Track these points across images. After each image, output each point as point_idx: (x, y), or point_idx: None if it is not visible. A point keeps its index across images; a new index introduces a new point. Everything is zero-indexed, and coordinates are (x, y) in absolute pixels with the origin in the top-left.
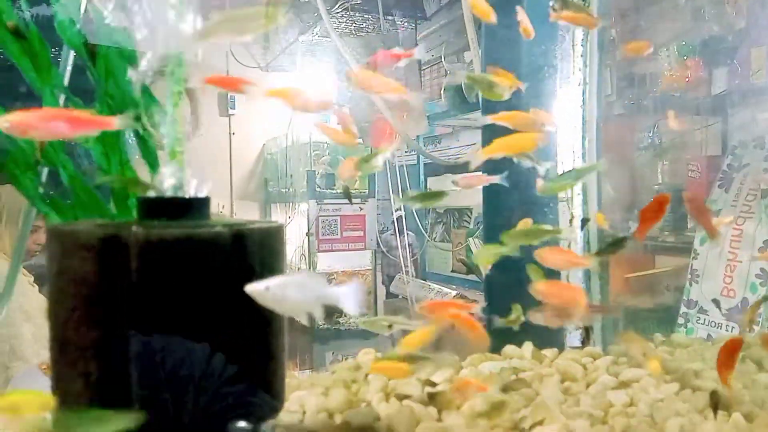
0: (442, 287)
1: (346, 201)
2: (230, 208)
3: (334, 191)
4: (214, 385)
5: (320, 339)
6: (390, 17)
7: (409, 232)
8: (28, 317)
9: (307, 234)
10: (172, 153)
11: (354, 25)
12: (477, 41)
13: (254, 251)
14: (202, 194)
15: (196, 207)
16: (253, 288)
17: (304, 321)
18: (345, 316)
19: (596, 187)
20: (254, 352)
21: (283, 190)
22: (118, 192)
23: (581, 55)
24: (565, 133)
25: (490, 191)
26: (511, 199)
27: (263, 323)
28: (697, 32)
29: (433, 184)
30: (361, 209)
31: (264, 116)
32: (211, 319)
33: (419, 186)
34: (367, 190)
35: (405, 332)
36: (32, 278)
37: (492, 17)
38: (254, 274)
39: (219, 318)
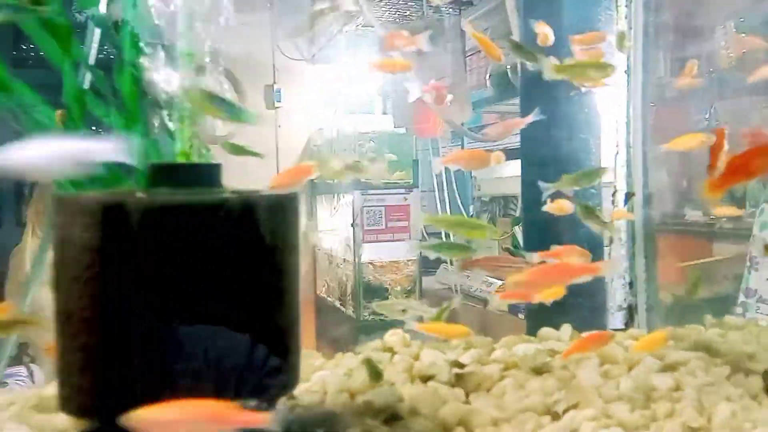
0: (488, 277)
1: (390, 191)
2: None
3: (378, 181)
4: (219, 361)
5: (365, 329)
6: (434, 4)
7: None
8: None
9: (352, 225)
10: (183, 121)
11: (397, 12)
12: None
13: (264, 219)
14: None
15: (206, 174)
16: None
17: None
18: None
19: (641, 161)
20: (264, 326)
21: (328, 181)
22: (140, 163)
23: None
24: (609, 117)
25: (528, 178)
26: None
27: (274, 295)
28: (756, 9)
29: (478, 172)
30: (406, 199)
31: (310, 108)
32: (216, 289)
33: (464, 175)
34: (411, 180)
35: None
36: None
37: None
38: (263, 242)
39: (224, 288)
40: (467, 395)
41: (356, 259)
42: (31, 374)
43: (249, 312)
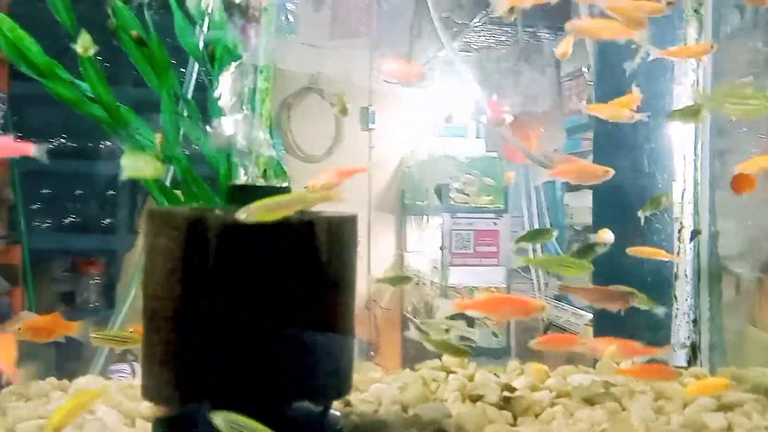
0: (576, 309)
1: (480, 215)
2: (367, 219)
3: (468, 205)
4: (279, 364)
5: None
6: (530, 29)
7: (552, 247)
8: None
9: (440, 248)
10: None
11: (493, 38)
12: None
13: (323, 237)
14: (282, 184)
15: (277, 194)
16: None
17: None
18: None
19: (708, 198)
20: (319, 332)
21: (418, 203)
22: (222, 183)
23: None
24: (679, 137)
25: (599, 209)
26: (621, 215)
27: (331, 306)
28: None
29: (570, 200)
30: (495, 224)
31: (403, 130)
32: (279, 298)
33: (556, 202)
34: (502, 205)
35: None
36: None
37: None
38: (322, 257)
39: (286, 298)
40: (515, 418)
41: (443, 283)
42: (133, 371)
43: (309, 321)
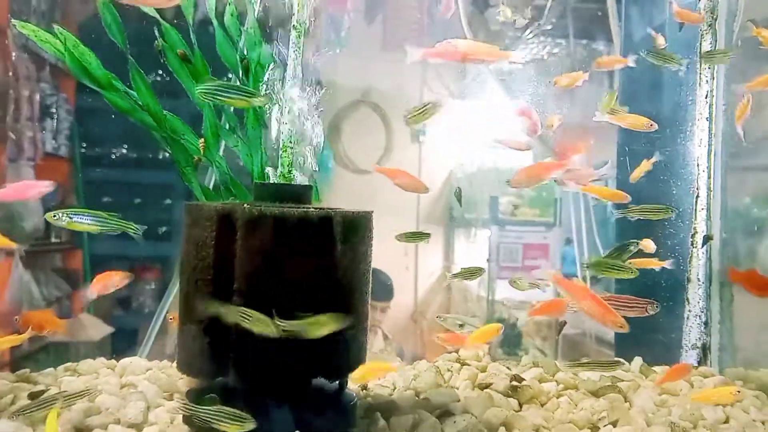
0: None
1: (530, 228)
2: (416, 229)
3: (517, 218)
4: (297, 344)
5: None
6: (582, 41)
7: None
8: None
9: (488, 260)
10: (285, 149)
11: (546, 49)
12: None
13: (339, 231)
14: (304, 184)
15: (300, 193)
16: None
17: None
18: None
19: (720, 205)
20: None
21: (467, 216)
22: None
23: (708, 67)
24: (693, 147)
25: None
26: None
27: (345, 292)
28: None
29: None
30: (545, 238)
31: (452, 143)
32: (298, 285)
33: (606, 215)
34: (552, 219)
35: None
36: None
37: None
38: (337, 250)
39: (305, 285)
40: (520, 405)
41: (489, 295)
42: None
43: (326, 305)
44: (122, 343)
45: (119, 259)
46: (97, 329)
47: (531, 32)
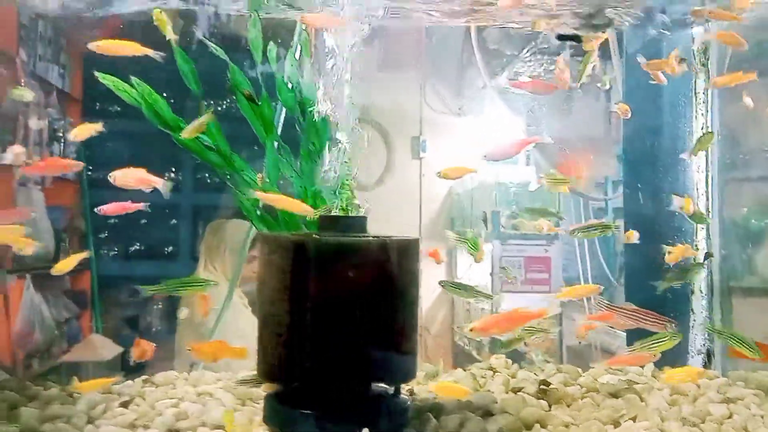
0: (612, 329)
1: (530, 242)
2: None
3: (518, 232)
4: (361, 354)
5: None
6: (579, 58)
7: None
8: (242, 334)
9: (490, 274)
10: (343, 186)
11: (543, 66)
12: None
13: (394, 256)
14: (361, 214)
15: (358, 223)
16: None
17: None
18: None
19: (718, 223)
20: (393, 332)
21: (468, 230)
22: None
23: (703, 102)
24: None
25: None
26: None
27: (401, 311)
28: None
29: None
30: (546, 251)
31: (453, 159)
32: (363, 303)
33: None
34: (553, 233)
35: None
36: (246, 301)
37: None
38: (393, 273)
39: (369, 303)
40: (549, 406)
41: (493, 309)
42: None
43: (383, 320)
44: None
45: (126, 280)
46: (108, 349)
47: (528, 51)
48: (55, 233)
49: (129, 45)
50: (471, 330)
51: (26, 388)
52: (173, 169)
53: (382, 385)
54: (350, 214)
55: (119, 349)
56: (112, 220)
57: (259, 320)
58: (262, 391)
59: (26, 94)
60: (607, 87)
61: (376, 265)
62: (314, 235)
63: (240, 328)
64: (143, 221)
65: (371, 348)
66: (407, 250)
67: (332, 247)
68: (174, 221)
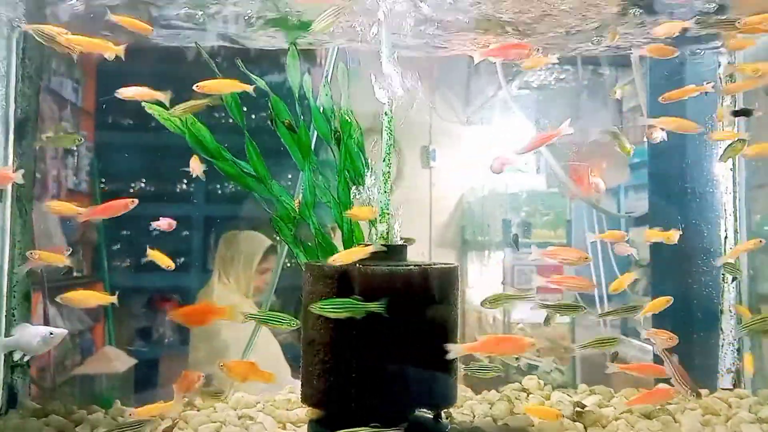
0: (643, 344)
1: (542, 250)
2: (429, 254)
3: (530, 240)
4: (404, 380)
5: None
6: (591, 66)
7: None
8: (255, 349)
9: (502, 282)
10: (383, 215)
11: (554, 75)
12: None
13: (435, 284)
14: (401, 243)
15: (398, 251)
16: None
17: None
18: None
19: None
20: (435, 358)
21: (479, 239)
22: (346, 240)
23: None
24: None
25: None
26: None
27: (441, 337)
28: None
29: (636, 234)
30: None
31: (462, 168)
32: (407, 330)
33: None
34: (564, 240)
35: None
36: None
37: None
38: (435, 299)
39: (412, 330)
40: (585, 428)
41: (504, 318)
42: None
43: (427, 348)
44: (144, 374)
45: (139, 291)
46: (121, 361)
47: None
48: (69, 246)
49: (229, 83)
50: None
51: (71, 413)
52: (185, 181)
53: (424, 410)
54: (390, 243)
55: (133, 361)
56: (125, 232)
57: (303, 347)
58: (305, 415)
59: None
60: (618, 97)
61: (418, 292)
62: (358, 264)
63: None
64: (155, 233)
65: (413, 374)
66: (447, 276)
67: (375, 275)
68: (186, 233)
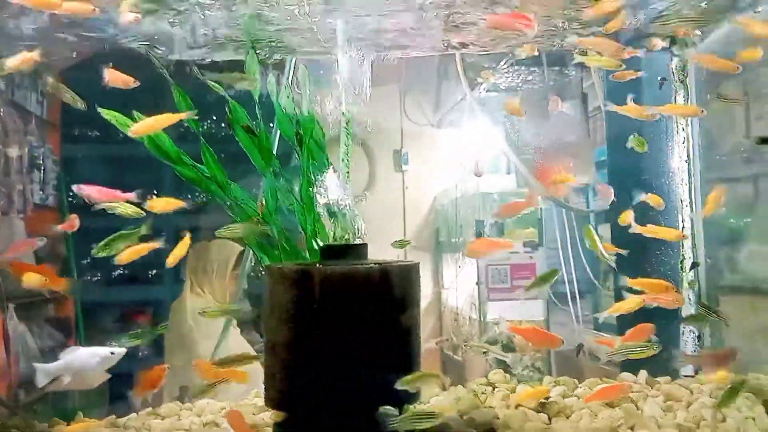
0: (616, 337)
1: (515, 249)
2: (405, 257)
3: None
4: (369, 377)
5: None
6: (556, 68)
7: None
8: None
9: (477, 283)
10: (336, 214)
11: (520, 77)
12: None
13: (396, 282)
14: (361, 242)
15: (359, 250)
16: None
17: None
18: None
19: (702, 232)
20: (396, 356)
21: (453, 240)
22: (308, 242)
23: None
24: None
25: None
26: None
27: (403, 335)
28: None
29: (605, 231)
30: (531, 258)
31: (435, 171)
32: (367, 329)
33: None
34: (536, 239)
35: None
36: (235, 322)
37: None
38: (395, 298)
39: (372, 329)
40: (550, 419)
41: (481, 318)
42: None
43: (388, 346)
44: (120, 388)
45: (110, 306)
46: (95, 376)
47: (505, 62)
48: (37, 261)
49: (165, 118)
50: None
51: (32, 427)
52: (154, 191)
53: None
54: (350, 242)
55: (106, 376)
56: (95, 245)
57: (266, 349)
58: (270, 419)
59: None
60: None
61: (380, 290)
62: (317, 265)
63: (229, 348)
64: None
65: (376, 373)
66: (408, 274)
67: (335, 276)
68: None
